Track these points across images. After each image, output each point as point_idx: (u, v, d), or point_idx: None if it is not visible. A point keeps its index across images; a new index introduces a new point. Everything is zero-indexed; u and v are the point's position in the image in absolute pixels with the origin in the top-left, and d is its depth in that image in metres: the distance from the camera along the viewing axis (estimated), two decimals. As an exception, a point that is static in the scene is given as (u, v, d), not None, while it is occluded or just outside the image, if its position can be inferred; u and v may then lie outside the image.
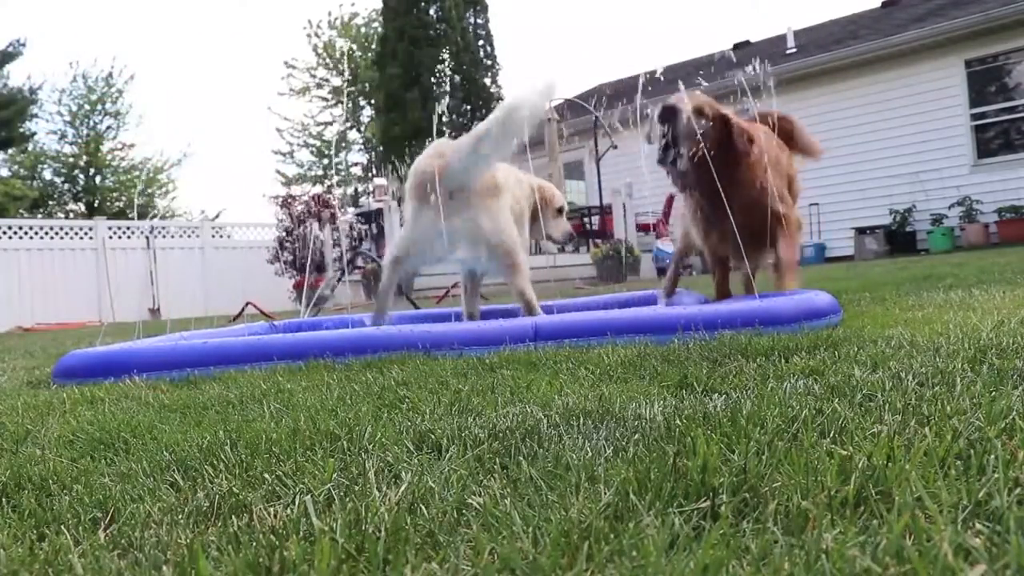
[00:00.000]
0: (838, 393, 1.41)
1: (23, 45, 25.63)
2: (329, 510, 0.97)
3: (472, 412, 1.52)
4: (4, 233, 13.20)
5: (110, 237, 14.25)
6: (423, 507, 0.94)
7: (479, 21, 23.18)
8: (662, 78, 4.77)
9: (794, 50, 14.98)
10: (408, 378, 2.05)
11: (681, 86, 3.13)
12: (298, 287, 12.47)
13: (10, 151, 27.75)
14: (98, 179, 30.95)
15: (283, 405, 1.78)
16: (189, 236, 15.27)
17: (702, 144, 2.94)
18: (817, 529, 0.77)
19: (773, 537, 0.77)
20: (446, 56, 20.98)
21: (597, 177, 14.16)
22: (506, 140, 3.22)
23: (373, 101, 26.52)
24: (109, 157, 30.95)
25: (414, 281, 10.82)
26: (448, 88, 21.51)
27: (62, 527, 0.99)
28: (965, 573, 0.66)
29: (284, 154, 29.49)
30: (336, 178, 28.44)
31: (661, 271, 12.08)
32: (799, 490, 0.88)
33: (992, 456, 0.93)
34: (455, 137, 3.48)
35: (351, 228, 12.53)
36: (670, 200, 13.49)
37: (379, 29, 23.76)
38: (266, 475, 1.15)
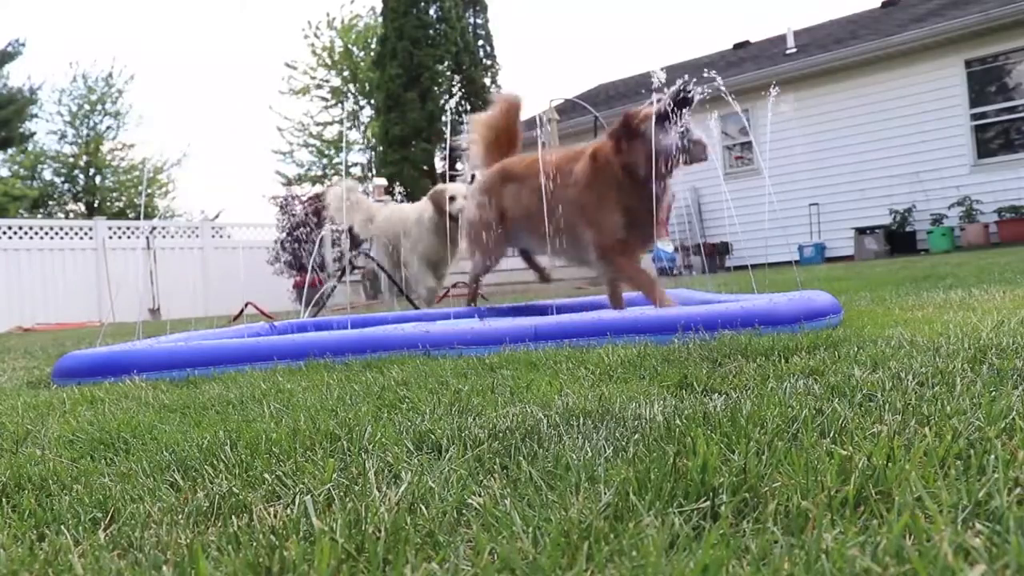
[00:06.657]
0: (838, 393, 1.41)
1: (23, 45, 25.66)
2: (329, 510, 0.97)
3: (472, 412, 1.52)
4: (4, 233, 13.20)
5: (110, 237, 14.26)
6: (423, 507, 0.94)
7: (479, 21, 23.18)
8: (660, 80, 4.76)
9: (794, 50, 14.98)
10: (408, 378, 2.05)
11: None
12: (298, 287, 12.49)
13: (10, 151, 27.75)
14: (98, 179, 30.94)
15: (283, 405, 1.78)
16: (189, 236, 15.29)
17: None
18: (817, 529, 0.77)
19: (773, 537, 0.77)
20: (447, 57, 20.95)
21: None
22: None
23: (373, 101, 26.50)
24: (109, 157, 30.96)
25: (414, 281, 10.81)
26: (448, 88, 21.49)
27: (62, 527, 0.99)
28: (965, 573, 0.66)
29: (284, 154, 29.50)
30: (336, 177, 28.38)
31: (661, 271, 12.06)
32: (799, 490, 0.88)
33: (992, 456, 0.93)
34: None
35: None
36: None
37: (379, 29, 23.74)
38: (266, 475, 1.15)
